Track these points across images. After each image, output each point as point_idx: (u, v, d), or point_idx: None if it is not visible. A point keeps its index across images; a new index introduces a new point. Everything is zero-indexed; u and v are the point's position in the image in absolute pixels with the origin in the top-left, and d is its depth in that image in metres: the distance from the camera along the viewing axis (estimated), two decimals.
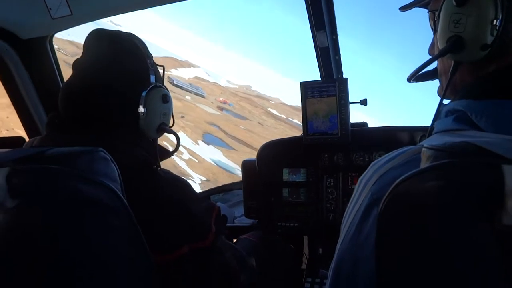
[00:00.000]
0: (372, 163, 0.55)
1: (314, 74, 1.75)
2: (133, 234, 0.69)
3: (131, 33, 0.97)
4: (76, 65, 0.92)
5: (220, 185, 2.17)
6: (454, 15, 0.53)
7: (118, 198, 0.66)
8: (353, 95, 1.56)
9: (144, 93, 0.90)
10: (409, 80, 0.66)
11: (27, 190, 0.58)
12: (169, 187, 0.89)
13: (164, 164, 0.96)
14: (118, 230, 0.67)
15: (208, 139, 36.71)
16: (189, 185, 0.95)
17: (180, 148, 1.02)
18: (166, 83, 1.03)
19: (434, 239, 0.36)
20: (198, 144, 33.11)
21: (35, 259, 0.59)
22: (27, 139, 1.19)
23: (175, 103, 1.06)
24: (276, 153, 1.77)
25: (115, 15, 1.37)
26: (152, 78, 0.94)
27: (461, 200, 0.34)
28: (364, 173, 0.55)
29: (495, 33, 0.49)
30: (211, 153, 31.90)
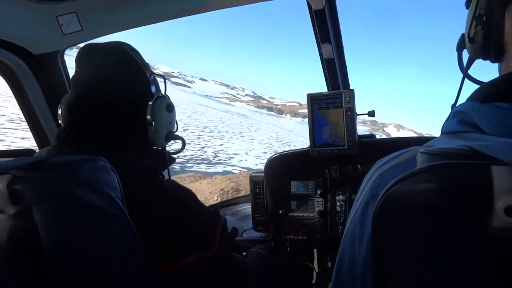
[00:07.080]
0: (376, 162, 0.56)
1: None
2: (132, 242, 0.69)
3: (123, 43, 0.93)
4: (74, 82, 0.91)
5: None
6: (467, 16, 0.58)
7: (118, 206, 0.67)
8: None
9: (150, 104, 0.90)
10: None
11: (27, 197, 0.58)
12: (174, 196, 0.89)
13: None
14: (117, 236, 0.67)
15: None
16: (193, 195, 0.95)
17: None
18: None
19: (425, 241, 0.36)
20: None
21: (36, 264, 0.60)
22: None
23: None
24: (284, 166, 1.76)
25: (124, 29, 1.40)
26: (153, 88, 0.94)
27: (451, 202, 0.34)
28: (368, 172, 0.56)
29: (478, 28, 0.53)
30: None
